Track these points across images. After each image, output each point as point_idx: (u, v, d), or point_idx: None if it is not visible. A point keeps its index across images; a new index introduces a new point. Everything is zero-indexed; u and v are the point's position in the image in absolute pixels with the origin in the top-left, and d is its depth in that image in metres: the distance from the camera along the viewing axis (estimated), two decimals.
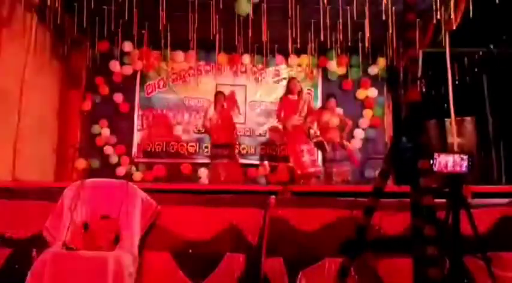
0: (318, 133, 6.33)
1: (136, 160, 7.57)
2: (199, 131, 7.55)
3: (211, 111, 6.56)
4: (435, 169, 2.51)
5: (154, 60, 7.73)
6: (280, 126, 6.72)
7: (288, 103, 6.31)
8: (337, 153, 6.39)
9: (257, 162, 7.61)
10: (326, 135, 6.42)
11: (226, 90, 7.70)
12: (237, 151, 7.10)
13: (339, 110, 7.14)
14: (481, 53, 6.45)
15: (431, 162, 2.50)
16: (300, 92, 6.35)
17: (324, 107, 6.91)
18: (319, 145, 6.34)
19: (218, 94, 6.73)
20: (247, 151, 7.73)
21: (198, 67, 7.87)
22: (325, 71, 7.95)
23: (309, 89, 7.93)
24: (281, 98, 6.54)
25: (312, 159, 6.10)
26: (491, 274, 2.69)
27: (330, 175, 6.38)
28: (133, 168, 7.47)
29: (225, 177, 6.26)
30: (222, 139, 6.45)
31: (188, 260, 3.41)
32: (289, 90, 6.34)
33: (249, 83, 7.95)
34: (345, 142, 6.62)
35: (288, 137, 6.40)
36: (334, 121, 6.51)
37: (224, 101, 6.64)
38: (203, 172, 7.36)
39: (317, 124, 6.57)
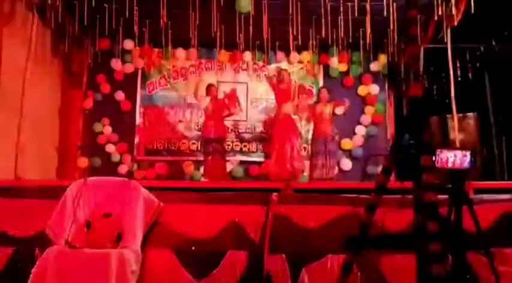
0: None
1: (138, 158, 7.57)
2: (200, 128, 7.56)
3: (206, 104, 6.70)
4: (437, 165, 2.50)
5: (155, 58, 7.73)
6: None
7: (279, 91, 6.45)
8: (327, 147, 6.40)
9: (258, 160, 7.61)
10: (319, 127, 6.46)
11: (228, 88, 7.71)
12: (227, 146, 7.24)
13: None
14: (482, 48, 6.43)
15: (434, 158, 2.49)
16: (289, 81, 6.57)
17: (318, 100, 6.94)
18: None
19: (210, 86, 6.81)
20: (248, 149, 7.74)
21: (199, 64, 7.87)
22: (326, 68, 7.93)
23: (310, 86, 7.93)
24: (273, 89, 6.69)
25: (292, 156, 6.15)
26: (494, 270, 2.69)
27: (315, 167, 6.41)
28: (135, 166, 7.47)
29: (212, 174, 6.41)
30: (213, 133, 6.54)
31: (191, 257, 3.42)
32: (278, 80, 6.49)
33: (250, 80, 7.94)
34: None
35: (275, 130, 6.47)
36: (328, 110, 6.52)
37: (216, 93, 6.75)
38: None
39: (312, 117, 6.62)
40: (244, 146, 7.72)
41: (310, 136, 7.10)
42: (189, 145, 7.67)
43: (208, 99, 6.72)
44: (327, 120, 6.47)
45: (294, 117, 6.51)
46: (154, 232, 3.41)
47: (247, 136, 7.78)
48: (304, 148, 7.36)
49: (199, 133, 7.58)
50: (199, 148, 7.61)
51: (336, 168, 6.73)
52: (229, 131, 7.60)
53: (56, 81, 6.91)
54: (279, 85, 6.47)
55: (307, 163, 6.77)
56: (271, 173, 6.26)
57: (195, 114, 7.69)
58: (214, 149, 6.53)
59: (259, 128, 7.82)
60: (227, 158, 7.25)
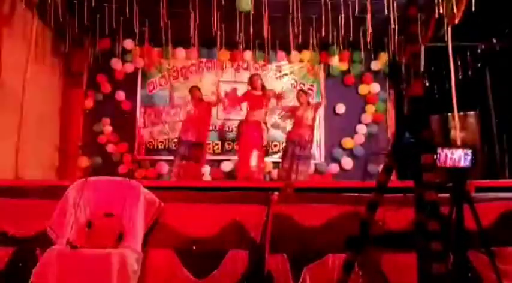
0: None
1: (138, 157, 7.57)
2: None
3: (189, 107, 6.62)
4: (438, 164, 2.50)
5: (155, 58, 7.73)
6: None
7: (251, 97, 6.45)
8: (302, 151, 6.36)
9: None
10: (298, 131, 6.45)
11: (228, 87, 7.71)
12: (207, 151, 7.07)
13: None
14: (483, 46, 6.42)
15: (435, 157, 2.48)
16: (263, 88, 6.47)
17: (298, 102, 6.83)
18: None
19: (192, 88, 6.70)
20: None
21: (200, 64, 7.86)
22: (327, 67, 7.93)
23: (311, 85, 7.93)
24: (245, 92, 6.71)
25: (257, 166, 6.14)
26: (495, 268, 2.69)
27: (290, 171, 6.36)
28: (136, 165, 7.47)
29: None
30: (192, 137, 6.36)
31: (192, 257, 3.41)
32: (252, 86, 6.48)
33: None
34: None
35: (243, 134, 6.43)
36: (309, 115, 6.51)
37: (200, 95, 6.63)
38: (206, 170, 7.34)
39: (293, 119, 6.61)
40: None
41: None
42: None
43: (190, 102, 6.64)
44: (308, 125, 6.46)
45: (263, 124, 6.43)
46: (155, 232, 3.41)
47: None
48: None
49: None
50: None
51: (307, 173, 6.60)
52: (230, 129, 7.62)
53: (56, 81, 6.92)
54: (252, 91, 6.46)
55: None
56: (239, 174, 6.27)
57: None
58: (191, 154, 6.32)
59: None
60: (228, 158, 7.28)
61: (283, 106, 7.13)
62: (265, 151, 6.77)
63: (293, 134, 6.50)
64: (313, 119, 6.57)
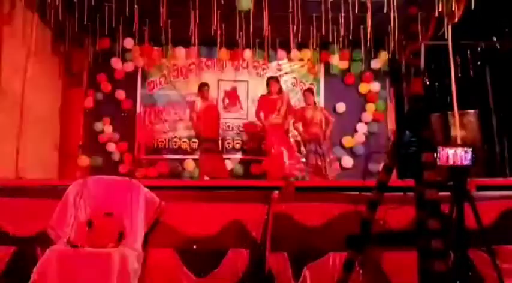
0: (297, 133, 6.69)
1: (139, 157, 7.57)
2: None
3: (199, 104, 6.62)
4: (439, 162, 2.50)
5: (155, 57, 7.72)
6: (258, 122, 6.80)
7: (266, 102, 6.40)
8: (323, 148, 6.36)
9: (259, 158, 7.58)
10: (310, 131, 6.44)
11: (228, 86, 7.70)
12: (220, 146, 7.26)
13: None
14: (483, 45, 6.41)
15: (435, 155, 2.48)
16: (279, 91, 6.44)
17: (305, 103, 6.81)
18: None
19: (202, 86, 6.72)
20: (249, 147, 7.72)
21: (200, 63, 7.86)
22: (327, 66, 7.92)
23: (311, 84, 7.92)
24: (260, 98, 6.64)
25: (291, 162, 6.14)
26: (496, 267, 2.69)
27: (318, 168, 6.36)
28: (136, 164, 7.47)
29: (211, 171, 6.35)
30: (207, 133, 6.52)
31: (192, 256, 3.42)
32: (268, 90, 6.44)
33: (250, 78, 7.93)
34: None
35: (267, 137, 6.44)
36: (318, 115, 6.50)
37: (208, 93, 6.72)
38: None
39: (301, 121, 6.57)
40: (245, 144, 7.72)
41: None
42: (189, 143, 7.66)
43: (199, 99, 6.68)
44: (317, 124, 6.44)
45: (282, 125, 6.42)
46: (155, 231, 3.40)
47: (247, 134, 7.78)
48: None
49: None
50: None
51: (333, 168, 6.58)
52: (231, 128, 7.65)
53: (56, 81, 6.91)
54: (268, 95, 6.44)
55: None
56: (269, 171, 6.25)
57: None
58: (208, 148, 6.53)
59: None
60: (228, 156, 7.32)
61: (294, 110, 7.00)
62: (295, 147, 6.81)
63: (309, 134, 6.49)
64: (325, 118, 6.56)
